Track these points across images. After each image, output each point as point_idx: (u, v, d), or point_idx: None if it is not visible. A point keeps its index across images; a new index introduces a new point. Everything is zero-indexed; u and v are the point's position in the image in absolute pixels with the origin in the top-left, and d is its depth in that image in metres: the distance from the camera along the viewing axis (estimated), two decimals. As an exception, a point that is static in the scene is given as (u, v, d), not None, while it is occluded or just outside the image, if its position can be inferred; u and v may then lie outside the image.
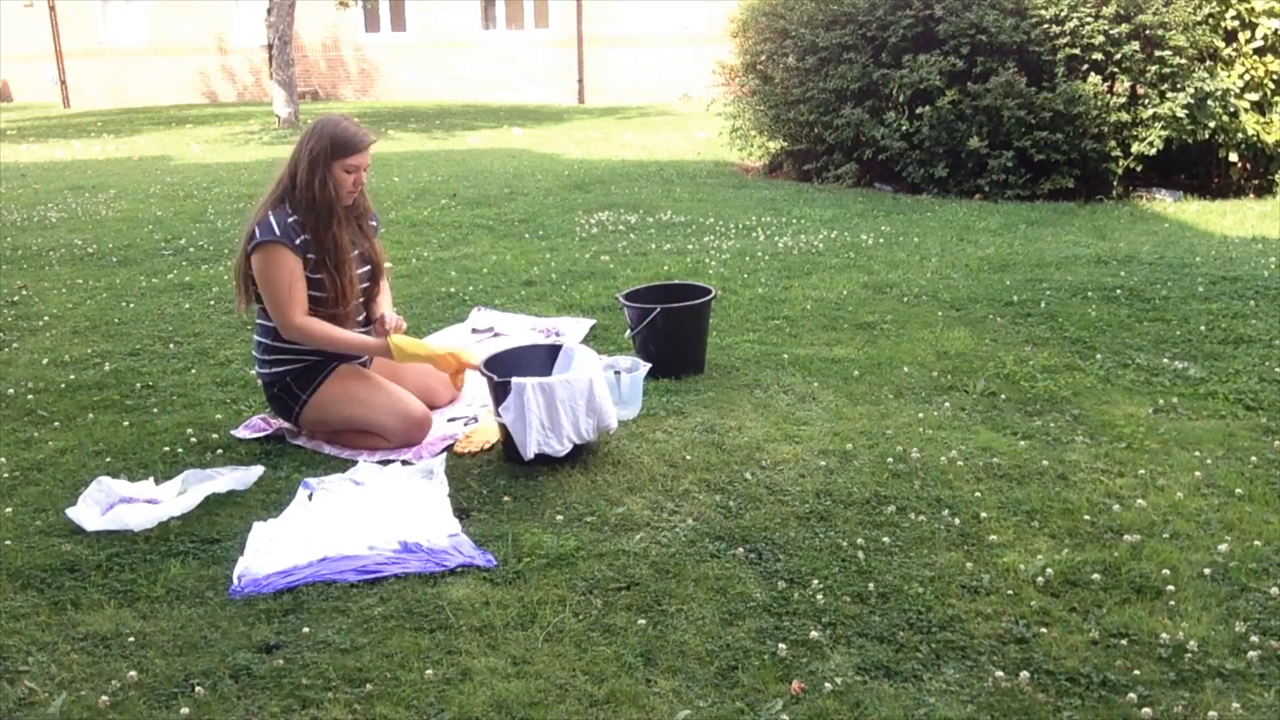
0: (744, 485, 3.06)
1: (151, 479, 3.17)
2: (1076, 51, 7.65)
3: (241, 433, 3.55)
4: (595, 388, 3.22)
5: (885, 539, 2.73)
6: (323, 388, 3.44)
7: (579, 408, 3.17)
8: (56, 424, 3.68)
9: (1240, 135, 7.69)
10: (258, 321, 3.53)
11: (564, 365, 3.49)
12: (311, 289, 3.39)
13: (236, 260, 3.46)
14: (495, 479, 3.17)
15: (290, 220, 3.35)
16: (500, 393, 3.20)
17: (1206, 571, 2.53)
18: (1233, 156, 7.87)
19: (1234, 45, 7.66)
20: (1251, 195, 8.13)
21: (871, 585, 2.50)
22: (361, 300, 3.55)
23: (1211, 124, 7.57)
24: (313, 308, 3.39)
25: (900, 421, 3.50)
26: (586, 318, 4.82)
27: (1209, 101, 7.50)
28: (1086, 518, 2.81)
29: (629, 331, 4.08)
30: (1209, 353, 4.11)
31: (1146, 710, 2.04)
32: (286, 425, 3.59)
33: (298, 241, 3.35)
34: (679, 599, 2.48)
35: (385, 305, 3.65)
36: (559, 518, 2.89)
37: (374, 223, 3.65)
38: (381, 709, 2.11)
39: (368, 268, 3.56)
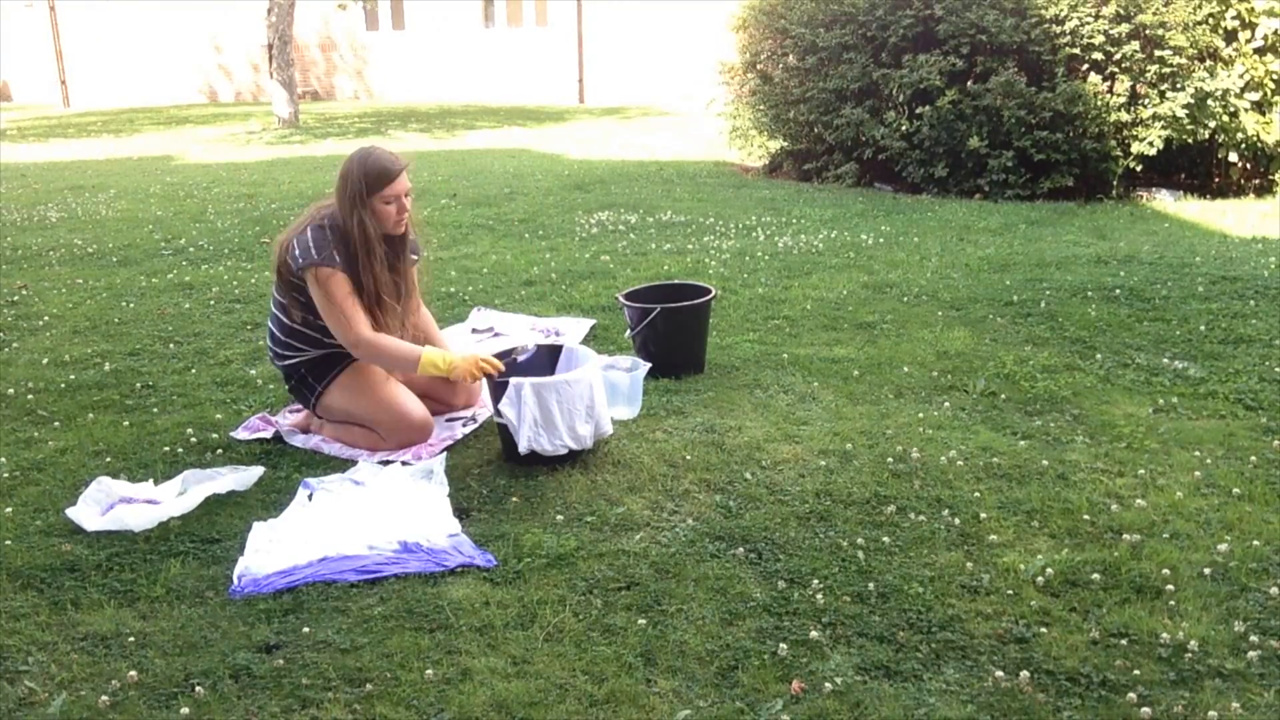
0: (744, 485, 3.06)
1: (151, 479, 3.17)
2: (1076, 51, 7.66)
3: (240, 434, 3.55)
4: (595, 393, 3.22)
5: (885, 539, 2.73)
6: (339, 379, 3.47)
7: (577, 411, 3.16)
8: (56, 424, 3.68)
9: (1240, 135, 7.69)
10: (273, 311, 3.52)
11: (565, 366, 3.49)
12: None
13: (277, 253, 3.40)
14: (495, 479, 3.17)
15: (336, 250, 3.31)
16: (499, 392, 3.20)
17: (1206, 571, 2.53)
18: (1233, 156, 7.88)
19: (1234, 45, 7.66)
20: (1251, 195, 8.13)
21: (871, 585, 2.50)
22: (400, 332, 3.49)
23: (1211, 124, 7.57)
24: None
25: (900, 421, 3.50)
26: (586, 318, 4.82)
27: (1209, 101, 7.51)
28: (1086, 518, 2.81)
29: (629, 331, 4.08)
30: (1209, 353, 4.11)
31: (1146, 710, 2.04)
32: (285, 425, 3.59)
33: (338, 263, 3.32)
34: (679, 599, 2.48)
35: (437, 335, 3.68)
36: (559, 518, 2.89)
37: (415, 255, 3.59)
38: (381, 709, 2.11)
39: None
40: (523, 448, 3.14)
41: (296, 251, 3.33)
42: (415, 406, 3.47)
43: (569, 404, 3.15)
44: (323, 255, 3.29)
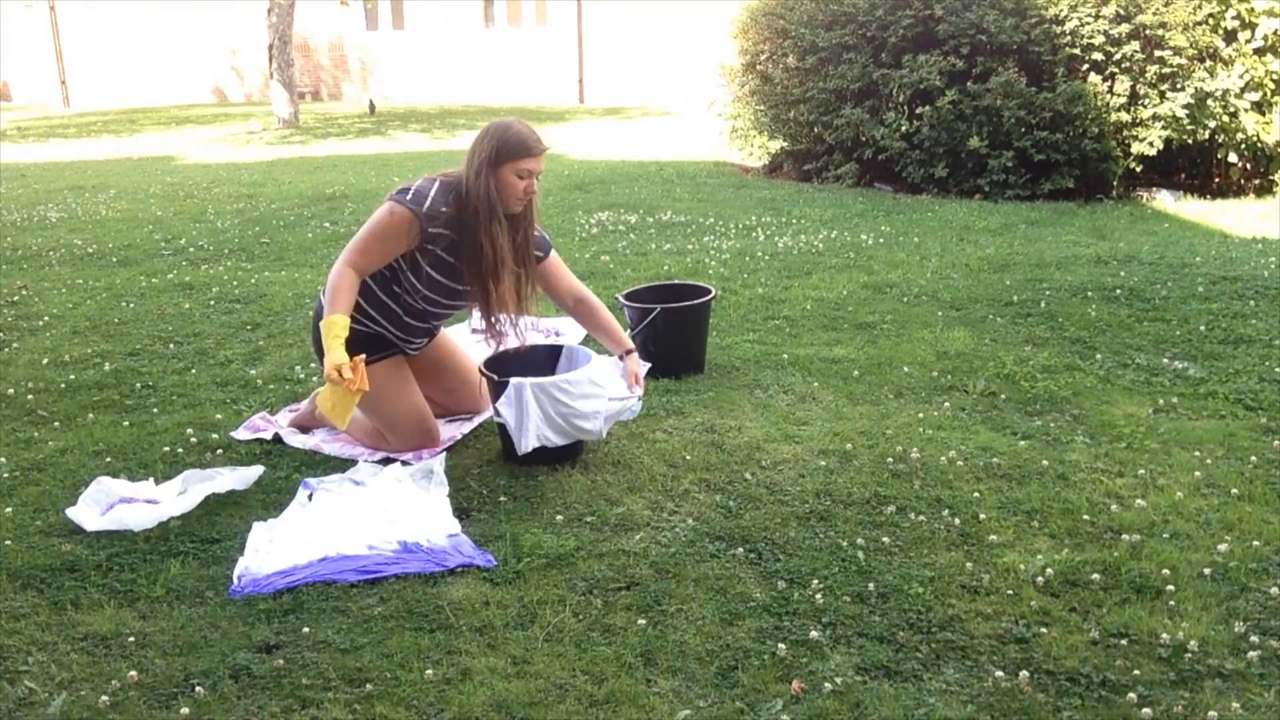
0: (744, 485, 3.06)
1: (151, 479, 3.17)
2: (1076, 51, 7.66)
3: (240, 434, 3.55)
4: (595, 392, 3.21)
5: (885, 539, 2.73)
6: (372, 369, 3.33)
7: (578, 411, 3.15)
8: (56, 424, 3.68)
9: (1240, 135, 7.70)
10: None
11: (565, 366, 3.49)
12: (446, 290, 3.34)
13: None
14: (495, 479, 3.17)
15: (443, 210, 3.22)
16: (498, 392, 3.20)
17: (1206, 571, 2.53)
18: (1233, 156, 7.88)
19: (1234, 45, 7.66)
20: (1251, 195, 8.14)
21: (871, 585, 2.50)
22: (515, 314, 3.41)
23: (1211, 124, 7.58)
24: (455, 305, 3.41)
25: (900, 421, 3.50)
26: (586, 318, 4.81)
27: (1209, 101, 7.51)
28: (1086, 518, 2.81)
29: (629, 331, 4.08)
30: (1209, 353, 4.11)
31: (1146, 710, 2.04)
32: (284, 425, 3.59)
33: (431, 230, 3.21)
34: (679, 599, 2.48)
35: (605, 320, 3.52)
36: (559, 518, 2.89)
37: (540, 252, 3.48)
38: (381, 709, 2.11)
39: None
40: (522, 448, 3.13)
41: (399, 188, 3.23)
42: (430, 421, 3.44)
43: (569, 404, 3.14)
44: (416, 199, 3.19)
